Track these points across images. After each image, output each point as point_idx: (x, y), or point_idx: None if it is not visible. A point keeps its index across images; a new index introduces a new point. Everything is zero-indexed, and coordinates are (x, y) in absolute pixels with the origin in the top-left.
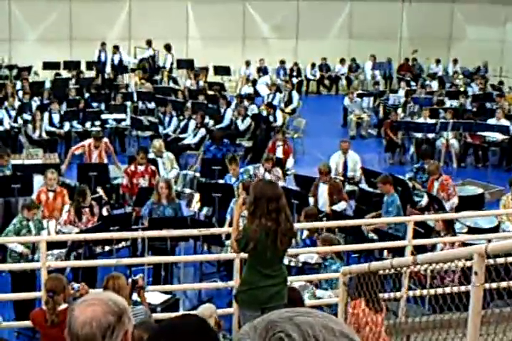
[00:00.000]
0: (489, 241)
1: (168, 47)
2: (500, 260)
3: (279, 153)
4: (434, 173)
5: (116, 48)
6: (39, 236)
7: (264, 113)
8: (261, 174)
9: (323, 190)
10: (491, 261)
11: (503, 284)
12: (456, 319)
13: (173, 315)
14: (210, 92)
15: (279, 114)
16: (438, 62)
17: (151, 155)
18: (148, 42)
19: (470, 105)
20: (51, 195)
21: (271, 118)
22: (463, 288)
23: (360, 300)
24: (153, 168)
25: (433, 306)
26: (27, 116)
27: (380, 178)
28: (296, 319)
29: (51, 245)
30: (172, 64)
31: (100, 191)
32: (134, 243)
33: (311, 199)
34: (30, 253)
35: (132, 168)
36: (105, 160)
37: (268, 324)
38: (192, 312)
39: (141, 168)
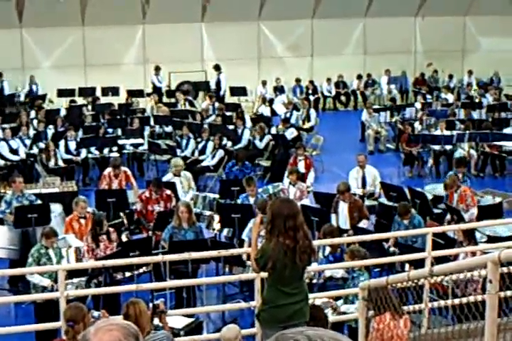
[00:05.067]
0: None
1: (217, 68)
2: None
3: (301, 167)
4: (452, 186)
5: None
6: (57, 266)
7: (280, 129)
8: (286, 188)
9: (343, 207)
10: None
11: None
12: (475, 328)
13: (196, 338)
14: (228, 113)
15: (290, 130)
16: (451, 77)
17: (169, 176)
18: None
19: (485, 115)
20: (83, 221)
21: (286, 134)
22: (480, 298)
23: (384, 315)
24: (168, 192)
25: (456, 316)
26: (42, 145)
27: (404, 209)
28: (306, 332)
29: (71, 273)
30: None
31: (123, 216)
32: (156, 267)
33: (333, 216)
34: (54, 282)
35: (147, 194)
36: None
37: (278, 336)
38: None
39: (155, 195)
